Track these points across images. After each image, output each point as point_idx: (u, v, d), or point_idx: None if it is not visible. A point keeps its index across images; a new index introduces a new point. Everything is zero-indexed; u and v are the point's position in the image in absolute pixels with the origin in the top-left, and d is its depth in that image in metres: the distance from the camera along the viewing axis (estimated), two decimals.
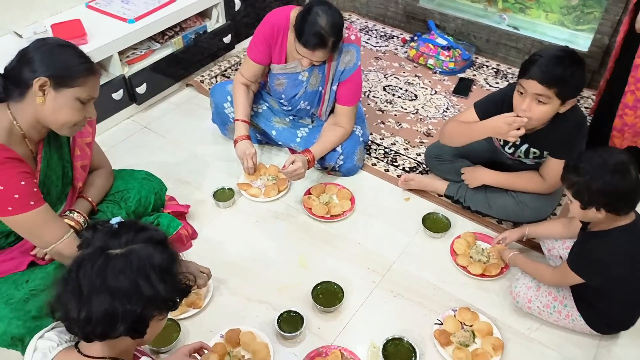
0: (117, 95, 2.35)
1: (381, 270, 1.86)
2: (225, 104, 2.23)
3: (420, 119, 2.53)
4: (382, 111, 2.57)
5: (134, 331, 1.00)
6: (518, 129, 1.67)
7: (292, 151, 2.30)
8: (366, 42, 3.09)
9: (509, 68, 2.89)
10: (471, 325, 1.67)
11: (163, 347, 1.57)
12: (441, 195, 2.11)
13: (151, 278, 0.99)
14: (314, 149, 2.05)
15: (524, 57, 2.80)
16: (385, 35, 3.16)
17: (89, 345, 1.02)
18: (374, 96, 2.65)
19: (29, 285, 1.45)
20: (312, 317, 1.70)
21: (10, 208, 1.32)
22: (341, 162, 2.15)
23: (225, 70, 2.81)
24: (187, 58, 2.62)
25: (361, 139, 2.20)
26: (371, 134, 2.41)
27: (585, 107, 2.59)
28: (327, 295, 1.73)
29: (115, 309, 0.95)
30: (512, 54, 2.90)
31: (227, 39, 2.78)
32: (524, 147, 1.85)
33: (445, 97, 2.67)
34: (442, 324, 1.68)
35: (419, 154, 2.32)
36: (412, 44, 2.93)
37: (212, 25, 2.74)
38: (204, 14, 2.72)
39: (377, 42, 3.09)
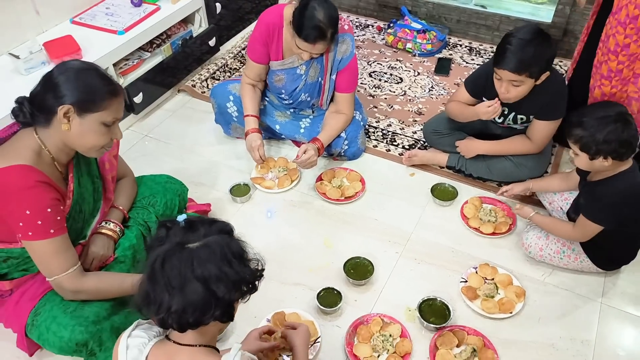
0: None
1: (401, 242, 1.99)
2: (227, 103, 2.30)
3: (410, 99, 2.67)
4: (373, 96, 2.70)
5: (226, 315, 1.07)
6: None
7: (296, 143, 2.40)
8: None
9: (481, 45, 3.07)
10: (492, 279, 1.82)
11: None
12: (443, 167, 2.26)
13: (233, 264, 1.06)
14: (322, 137, 2.16)
15: (494, 34, 3.03)
16: (360, 25, 3.29)
17: (182, 335, 1.08)
18: (362, 83, 2.78)
19: None
20: (347, 291, 1.81)
21: (30, 233, 1.33)
22: (346, 147, 2.27)
23: (214, 73, 2.87)
24: (176, 64, 2.67)
25: (361, 123, 2.32)
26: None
27: None
28: (358, 270, 1.85)
29: (208, 295, 1.02)
30: (482, 32, 3.08)
31: (212, 42, 2.84)
32: (512, 115, 2.03)
33: (428, 77, 2.82)
34: (466, 281, 1.82)
35: (414, 132, 2.46)
36: (389, 30, 3.06)
37: (196, 30, 2.79)
38: (187, 20, 2.77)
39: (355, 32, 3.20)
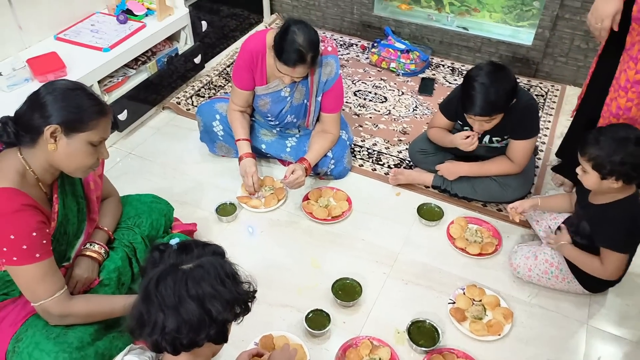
0: None
1: (389, 262, 1.99)
2: (214, 122, 2.29)
3: (394, 119, 2.70)
4: (358, 115, 2.72)
5: (220, 335, 1.06)
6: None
7: (282, 162, 2.40)
8: None
9: (463, 65, 3.13)
10: (480, 300, 1.83)
11: None
12: (428, 187, 2.28)
13: (226, 283, 1.07)
14: (309, 157, 2.16)
15: (475, 55, 3.09)
16: (344, 44, 3.32)
17: (175, 358, 1.08)
18: (347, 102, 2.80)
19: None
20: (336, 313, 1.80)
21: (15, 258, 1.30)
22: (332, 167, 2.27)
23: (199, 90, 2.85)
24: (161, 81, 2.65)
25: (348, 142, 2.34)
26: None
27: (536, 95, 2.86)
28: (346, 291, 1.84)
29: (202, 314, 1.02)
30: (464, 53, 3.14)
31: (197, 59, 2.83)
32: (486, 137, 2.09)
33: (412, 96, 2.86)
34: (454, 302, 1.83)
35: (399, 151, 2.48)
36: (373, 49, 3.10)
37: (181, 47, 2.78)
38: (173, 37, 2.76)
39: (339, 51, 3.25)
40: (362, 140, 2.55)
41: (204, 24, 2.86)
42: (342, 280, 1.87)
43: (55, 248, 1.44)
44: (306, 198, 2.21)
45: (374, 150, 2.49)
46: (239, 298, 1.08)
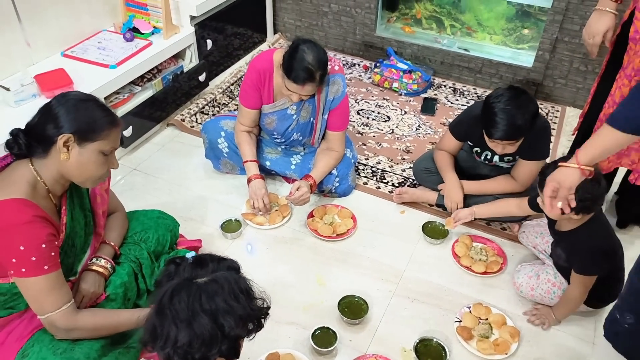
0: None
1: (394, 280, 1.99)
2: (219, 139, 2.31)
3: (397, 137, 2.72)
4: (361, 133, 2.74)
5: (232, 351, 1.06)
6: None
7: (287, 179, 2.41)
8: None
9: (464, 86, 3.17)
10: (486, 319, 1.82)
11: None
12: (432, 205, 2.29)
13: (240, 299, 1.07)
14: (314, 174, 2.17)
15: (476, 76, 3.13)
16: (347, 64, 3.36)
17: None
18: (350, 120, 2.82)
19: None
20: (342, 330, 1.79)
21: (23, 269, 1.30)
22: (337, 184, 2.28)
23: (203, 107, 2.87)
24: (166, 98, 2.67)
25: (352, 160, 2.35)
26: None
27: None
28: (353, 308, 1.84)
29: (215, 329, 1.02)
30: (465, 74, 3.19)
31: (202, 77, 2.85)
32: (496, 157, 2.10)
33: (415, 116, 2.89)
34: (460, 321, 1.82)
35: (403, 170, 2.50)
36: (376, 69, 3.14)
37: (187, 65, 2.81)
38: (178, 55, 2.79)
39: None
40: (365, 159, 2.57)
41: (209, 42, 2.90)
42: (348, 298, 1.86)
43: (62, 261, 1.44)
44: (311, 215, 2.22)
45: (377, 169, 2.51)
46: (252, 314, 1.08)
